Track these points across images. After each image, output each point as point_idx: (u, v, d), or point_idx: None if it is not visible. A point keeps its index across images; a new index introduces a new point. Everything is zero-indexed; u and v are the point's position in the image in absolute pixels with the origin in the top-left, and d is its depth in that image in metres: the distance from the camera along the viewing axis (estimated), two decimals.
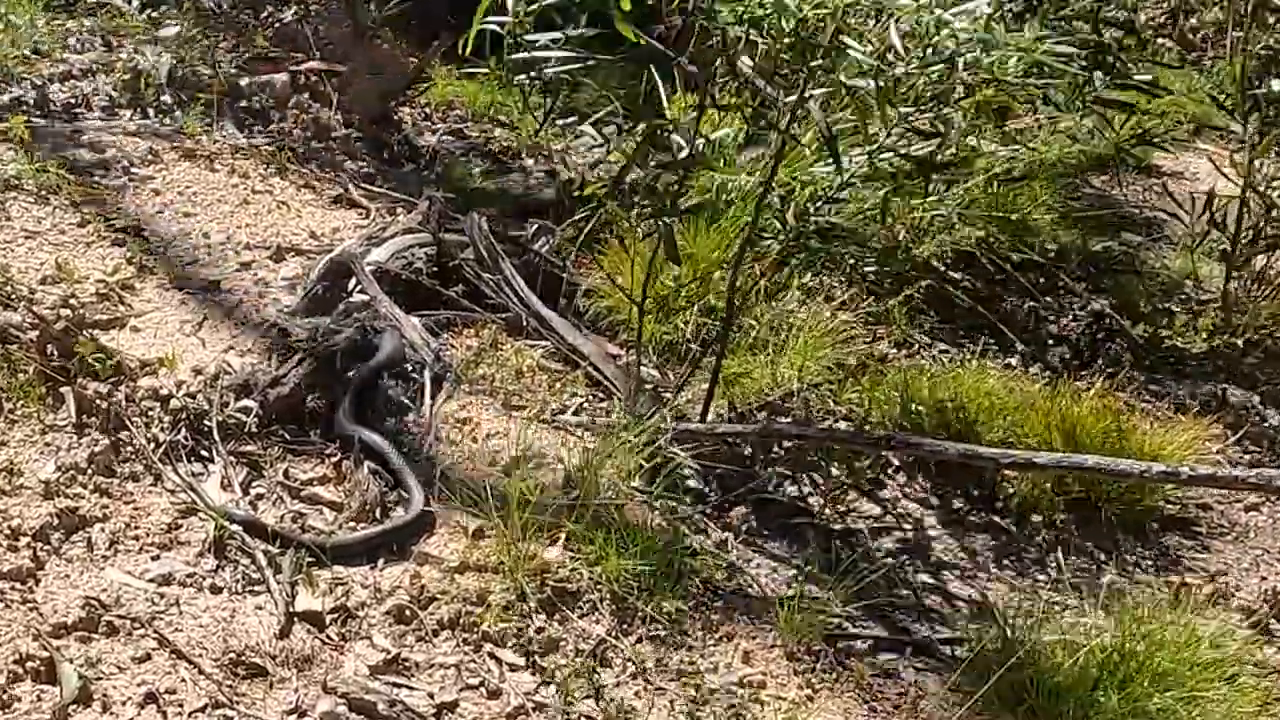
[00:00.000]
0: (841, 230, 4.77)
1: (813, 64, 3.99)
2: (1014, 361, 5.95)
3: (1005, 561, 4.75)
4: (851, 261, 5.45)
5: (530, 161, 7.60)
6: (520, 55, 4.41)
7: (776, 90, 4.31)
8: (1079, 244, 6.73)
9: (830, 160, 4.18)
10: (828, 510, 4.78)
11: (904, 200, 5.02)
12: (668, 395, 4.99)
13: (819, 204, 4.52)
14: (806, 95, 4.08)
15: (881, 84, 3.84)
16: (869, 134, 4.32)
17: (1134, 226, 7.27)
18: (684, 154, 4.41)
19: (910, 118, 4.24)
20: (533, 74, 4.48)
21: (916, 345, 5.85)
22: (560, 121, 4.73)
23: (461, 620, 3.98)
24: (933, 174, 4.40)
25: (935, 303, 6.07)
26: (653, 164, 4.55)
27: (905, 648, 4.19)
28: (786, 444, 5.00)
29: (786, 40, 4.09)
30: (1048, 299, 6.39)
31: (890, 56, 3.72)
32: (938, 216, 5.63)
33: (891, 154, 4.34)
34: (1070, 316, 6.35)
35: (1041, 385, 5.55)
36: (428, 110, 7.80)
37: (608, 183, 5.88)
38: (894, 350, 5.76)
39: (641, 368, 5.08)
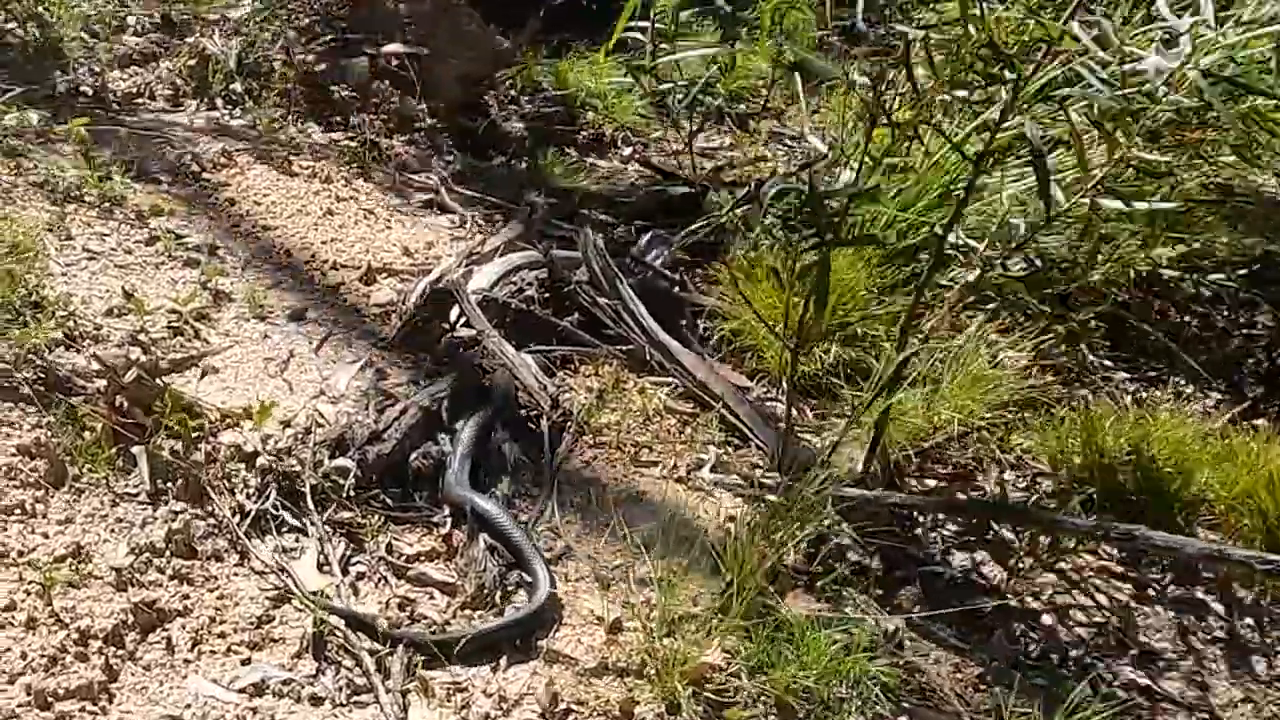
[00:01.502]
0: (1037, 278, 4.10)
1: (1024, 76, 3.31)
2: (1189, 390, 5.24)
3: (1220, 650, 4.09)
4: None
5: (628, 150, 6.97)
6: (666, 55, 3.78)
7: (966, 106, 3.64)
8: (1240, 250, 5.95)
9: (1039, 194, 3.51)
10: (1008, 587, 4.11)
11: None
12: (819, 449, 4.34)
13: (1011, 252, 3.86)
14: (1013, 112, 3.41)
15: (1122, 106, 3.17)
16: (1085, 166, 3.65)
17: None
18: (852, 181, 3.75)
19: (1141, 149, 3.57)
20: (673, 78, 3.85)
21: (1087, 376, 5.16)
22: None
23: None
24: (1159, 219, 3.71)
25: (1108, 330, 5.36)
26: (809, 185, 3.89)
27: None
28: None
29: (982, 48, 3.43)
30: (1225, 316, 5.67)
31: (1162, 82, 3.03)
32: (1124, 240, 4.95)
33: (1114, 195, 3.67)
34: (1242, 336, 5.62)
35: (1233, 427, 4.85)
36: (514, 94, 7.13)
37: (739, 191, 5.28)
38: (1061, 384, 5.07)
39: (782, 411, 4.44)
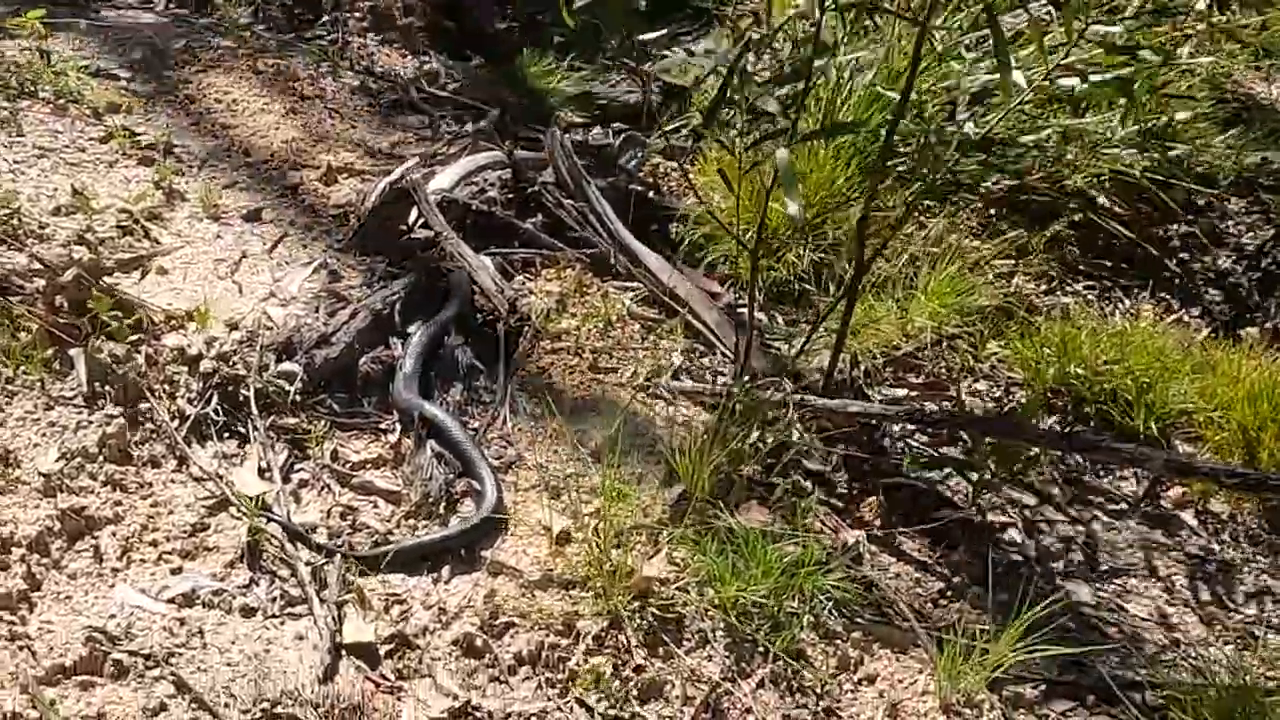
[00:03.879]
0: (992, 149, 3.92)
1: None
2: (1172, 300, 5.09)
3: (1184, 567, 3.95)
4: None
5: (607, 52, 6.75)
6: None
7: None
8: (1235, 158, 5.75)
9: (996, 71, 3.34)
10: (973, 500, 3.97)
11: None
12: (782, 353, 4.20)
13: (967, 114, 3.68)
14: None
15: None
16: (1044, 46, 3.47)
17: None
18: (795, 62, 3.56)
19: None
20: None
21: (1068, 284, 5.00)
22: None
23: (544, 655, 3.27)
24: (1126, 96, 3.53)
25: (1081, 236, 5.19)
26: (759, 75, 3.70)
27: (1085, 695, 3.42)
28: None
29: None
30: (1203, 223, 5.49)
31: None
32: (1099, 139, 4.77)
33: (1075, 73, 3.49)
34: (1230, 247, 5.45)
35: (1214, 340, 4.70)
36: None
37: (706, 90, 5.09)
38: (1033, 287, 4.91)
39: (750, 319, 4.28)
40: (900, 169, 4.05)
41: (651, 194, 5.15)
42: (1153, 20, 3.85)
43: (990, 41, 3.47)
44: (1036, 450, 3.96)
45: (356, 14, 6.24)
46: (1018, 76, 3.39)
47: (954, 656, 3.26)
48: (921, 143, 3.78)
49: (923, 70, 4.32)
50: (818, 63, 3.49)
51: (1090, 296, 5.11)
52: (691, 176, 4.98)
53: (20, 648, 3.03)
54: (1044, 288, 5.06)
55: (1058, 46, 3.56)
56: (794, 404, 3.85)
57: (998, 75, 3.48)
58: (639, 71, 5.49)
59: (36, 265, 3.98)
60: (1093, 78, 3.59)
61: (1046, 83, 3.58)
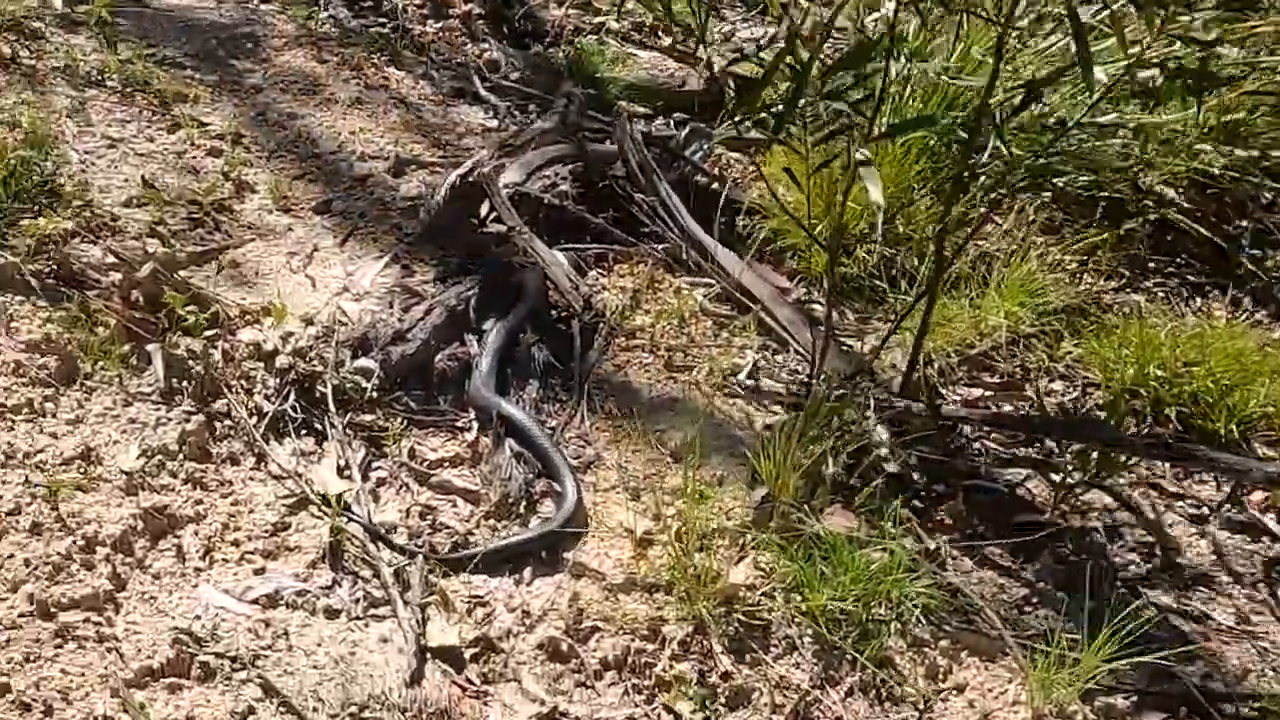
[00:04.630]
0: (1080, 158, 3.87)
1: None
2: (1245, 302, 5.02)
3: (1267, 573, 3.90)
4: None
5: (667, 41, 6.72)
6: None
7: None
8: None
9: (1079, 68, 3.29)
10: (1054, 504, 3.92)
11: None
12: (860, 355, 4.16)
13: (1058, 129, 3.63)
14: None
15: None
16: (1124, 39, 3.41)
17: None
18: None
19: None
20: None
21: (1139, 281, 4.95)
22: None
23: (630, 660, 3.24)
24: (1206, 90, 3.47)
25: (1149, 233, 5.13)
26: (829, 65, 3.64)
27: (1176, 705, 3.37)
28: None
29: None
30: (1274, 220, 5.41)
31: None
32: (1176, 136, 4.70)
33: (1155, 67, 3.44)
34: None
35: None
36: None
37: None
38: (1104, 285, 4.85)
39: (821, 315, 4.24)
40: (980, 171, 3.99)
41: (716, 186, 5.11)
42: (1233, 16, 3.79)
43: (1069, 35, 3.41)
44: (1125, 457, 3.90)
45: (416, 1, 6.19)
46: (1099, 73, 3.34)
47: (1047, 666, 3.22)
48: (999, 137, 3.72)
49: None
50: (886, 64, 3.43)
51: (1161, 294, 5.03)
52: (762, 165, 4.92)
53: (108, 649, 3.02)
54: (1114, 285, 4.99)
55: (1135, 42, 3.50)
56: (875, 405, 3.80)
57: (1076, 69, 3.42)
58: (706, 64, 5.43)
59: (112, 259, 3.95)
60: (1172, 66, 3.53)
61: (1127, 78, 3.51)
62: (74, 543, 3.21)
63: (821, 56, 3.54)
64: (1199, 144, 4.75)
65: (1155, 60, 3.49)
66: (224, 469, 3.58)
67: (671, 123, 5.55)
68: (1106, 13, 3.40)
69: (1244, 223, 5.40)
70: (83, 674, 2.94)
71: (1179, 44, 3.52)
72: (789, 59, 3.44)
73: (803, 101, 3.68)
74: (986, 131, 3.61)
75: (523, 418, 3.82)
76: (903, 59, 4.10)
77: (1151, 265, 5.15)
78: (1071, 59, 3.47)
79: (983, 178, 4.06)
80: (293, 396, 3.81)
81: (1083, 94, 3.60)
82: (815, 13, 3.55)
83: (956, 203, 3.91)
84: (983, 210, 4.11)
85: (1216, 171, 4.92)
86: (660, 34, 6.82)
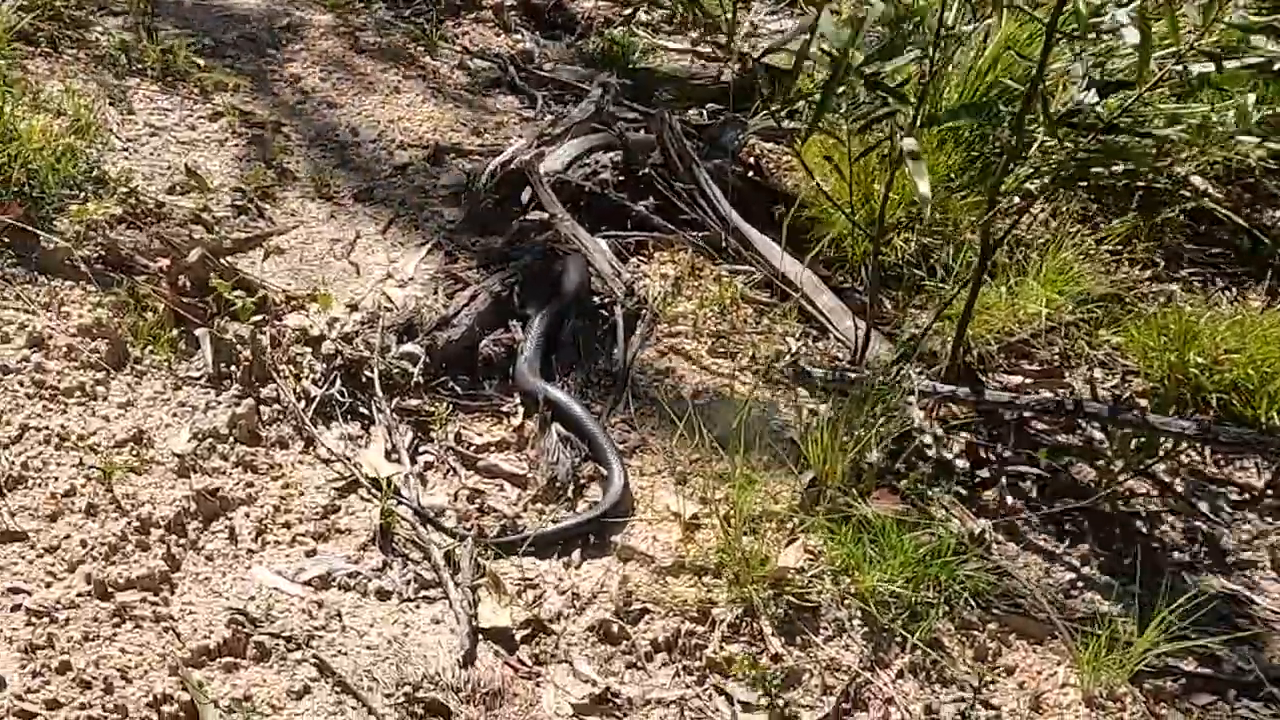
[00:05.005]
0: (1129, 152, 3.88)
1: None
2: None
3: None
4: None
5: (695, 34, 6.71)
6: None
7: None
8: None
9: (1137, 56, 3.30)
10: (1098, 490, 3.93)
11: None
12: (900, 343, 4.17)
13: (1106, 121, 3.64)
14: None
15: None
16: (1177, 30, 3.43)
17: None
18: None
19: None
20: None
21: (1176, 270, 4.95)
22: None
23: (681, 641, 3.26)
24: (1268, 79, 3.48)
25: (1183, 222, 5.13)
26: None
27: (1227, 689, 3.39)
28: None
29: None
30: None
31: None
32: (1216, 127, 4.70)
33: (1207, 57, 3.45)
34: None
35: None
36: None
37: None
38: (1139, 273, 4.85)
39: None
40: (1022, 164, 4.00)
41: (751, 174, 5.12)
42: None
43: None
44: (1170, 443, 3.91)
45: None
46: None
47: (1096, 649, 3.23)
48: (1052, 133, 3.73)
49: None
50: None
51: (1197, 284, 5.04)
52: (795, 156, 4.93)
53: (165, 629, 3.04)
54: (1149, 274, 4.99)
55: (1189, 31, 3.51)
56: (920, 392, 3.82)
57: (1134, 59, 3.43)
58: (742, 54, 5.45)
59: (159, 244, 3.98)
60: (1227, 64, 3.54)
61: (1179, 68, 3.52)
62: (129, 524, 3.24)
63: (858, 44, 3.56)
64: (1240, 135, 4.74)
65: (1206, 49, 3.50)
66: (274, 452, 3.61)
67: (705, 113, 5.54)
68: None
69: (1277, 213, 5.39)
70: (141, 653, 2.96)
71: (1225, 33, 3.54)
72: (824, 45, 3.45)
73: (841, 89, 3.70)
74: (1035, 123, 3.63)
75: (569, 402, 3.84)
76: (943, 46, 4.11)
77: (1186, 255, 5.14)
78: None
79: (1025, 168, 4.07)
80: (340, 381, 3.83)
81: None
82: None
83: (1000, 194, 3.91)
84: (1021, 200, 4.10)
85: (1252, 162, 4.92)
86: (686, 27, 6.81)
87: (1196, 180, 5.09)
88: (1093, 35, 3.76)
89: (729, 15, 4.47)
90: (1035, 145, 3.83)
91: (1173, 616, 3.31)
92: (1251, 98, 3.65)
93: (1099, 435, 4.11)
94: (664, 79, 5.95)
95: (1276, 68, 3.48)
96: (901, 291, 4.67)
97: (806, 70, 3.98)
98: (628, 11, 6.65)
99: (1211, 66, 3.54)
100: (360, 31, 5.65)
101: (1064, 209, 4.96)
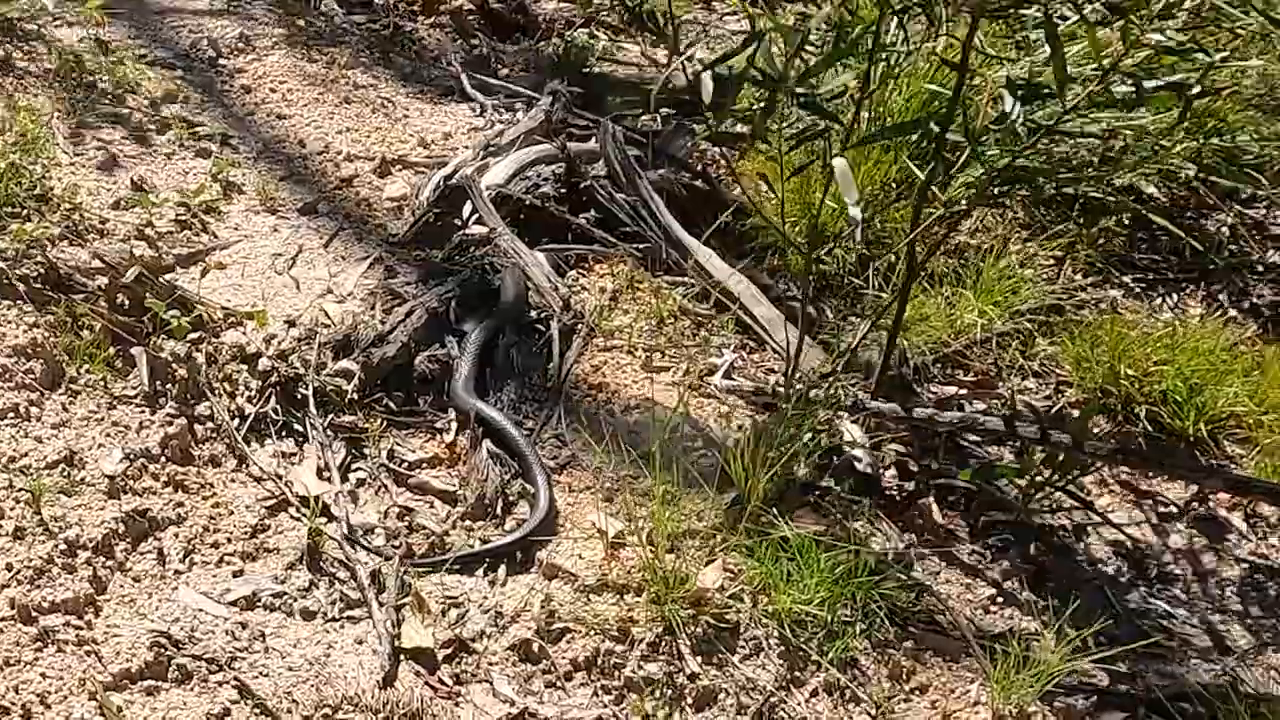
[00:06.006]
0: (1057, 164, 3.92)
1: None
2: (1221, 298, 5.07)
3: (1233, 573, 3.96)
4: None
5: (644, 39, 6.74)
6: None
7: None
8: None
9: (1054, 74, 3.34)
10: (1023, 504, 3.98)
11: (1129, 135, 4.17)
12: (834, 355, 4.21)
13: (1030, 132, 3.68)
14: None
15: None
16: (1098, 49, 3.47)
17: None
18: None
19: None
20: None
21: (1114, 279, 5.00)
22: None
23: (600, 661, 3.31)
24: (1191, 101, 3.52)
25: (1126, 228, 5.18)
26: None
27: (1136, 706, 3.44)
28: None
29: None
30: (1252, 215, 5.45)
31: None
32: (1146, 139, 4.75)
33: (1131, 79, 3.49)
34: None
35: (1263, 336, 4.70)
36: None
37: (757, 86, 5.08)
38: (1080, 280, 4.90)
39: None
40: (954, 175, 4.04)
41: (700, 183, 5.16)
42: (1208, 20, 3.83)
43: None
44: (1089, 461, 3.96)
45: None
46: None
47: (1007, 667, 3.29)
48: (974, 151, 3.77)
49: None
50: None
51: (1138, 290, 5.09)
52: (739, 167, 4.98)
53: (87, 653, 3.09)
54: (1091, 281, 5.04)
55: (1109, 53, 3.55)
56: (847, 406, 3.87)
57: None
58: (685, 59, 5.48)
59: (98, 263, 4.02)
60: (1147, 84, 3.58)
61: (1099, 87, 3.57)
62: (56, 546, 3.28)
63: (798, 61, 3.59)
64: (1169, 141, 4.79)
65: (1133, 71, 3.54)
66: (205, 471, 3.65)
67: (658, 119, 5.57)
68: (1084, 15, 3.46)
69: (1222, 217, 5.43)
70: (61, 678, 3.01)
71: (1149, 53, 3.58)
72: (760, 63, 3.49)
73: (778, 106, 3.73)
74: (959, 138, 3.67)
75: (500, 419, 3.88)
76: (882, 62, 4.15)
77: (1129, 261, 5.19)
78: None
79: (956, 180, 4.11)
80: (274, 399, 3.88)
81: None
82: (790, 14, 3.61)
83: (921, 214, 3.95)
84: (956, 211, 4.14)
85: (1189, 174, 4.96)
86: (633, 33, 6.82)
87: (1144, 186, 5.13)
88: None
89: (669, 27, 4.48)
90: (963, 157, 3.86)
91: (1088, 632, 3.35)
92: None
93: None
94: (618, 85, 5.98)
95: (1193, 91, 3.51)
96: (839, 301, 4.71)
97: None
98: (589, 12, 6.69)
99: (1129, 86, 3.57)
100: (314, 42, 5.70)
101: (1006, 216, 5.00)
